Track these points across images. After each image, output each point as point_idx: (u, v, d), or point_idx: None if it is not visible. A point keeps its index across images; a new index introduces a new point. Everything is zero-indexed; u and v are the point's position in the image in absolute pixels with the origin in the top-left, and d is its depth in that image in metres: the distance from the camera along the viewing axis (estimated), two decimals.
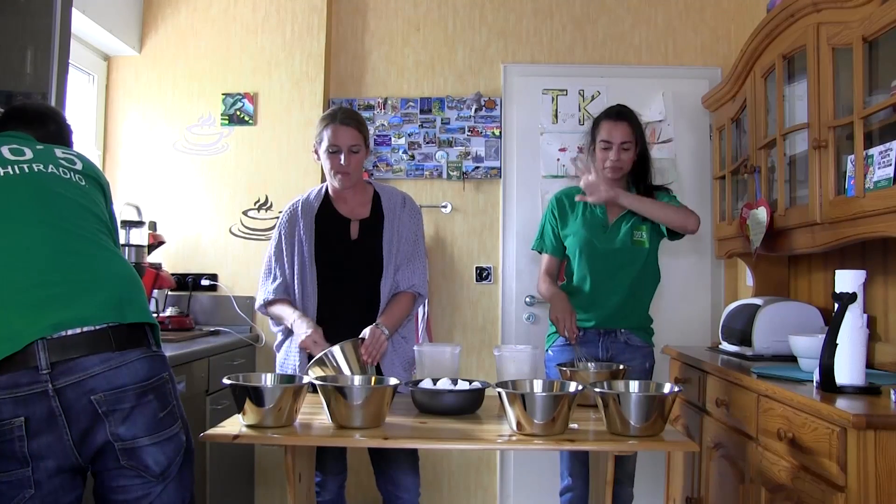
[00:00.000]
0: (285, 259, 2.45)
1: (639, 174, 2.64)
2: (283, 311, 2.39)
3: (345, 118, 2.38)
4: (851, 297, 1.93)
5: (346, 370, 2.15)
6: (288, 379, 1.95)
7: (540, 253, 2.76)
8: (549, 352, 2.66)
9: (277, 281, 2.44)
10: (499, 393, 1.84)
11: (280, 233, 2.48)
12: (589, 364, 2.32)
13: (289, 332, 2.42)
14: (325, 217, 2.46)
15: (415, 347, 2.32)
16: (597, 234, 2.60)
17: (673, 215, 2.50)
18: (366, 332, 2.27)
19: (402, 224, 2.47)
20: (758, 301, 2.78)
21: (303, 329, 2.28)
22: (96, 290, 1.55)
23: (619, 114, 2.60)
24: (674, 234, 2.59)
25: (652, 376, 2.64)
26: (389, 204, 2.49)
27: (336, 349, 2.16)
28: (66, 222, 1.62)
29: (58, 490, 1.49)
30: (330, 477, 2.48)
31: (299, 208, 2.48)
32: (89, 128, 3.54)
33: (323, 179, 2.55)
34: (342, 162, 2.37)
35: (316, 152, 2.44)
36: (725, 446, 2.46)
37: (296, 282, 2.43)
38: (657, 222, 2.54)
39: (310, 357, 2.24)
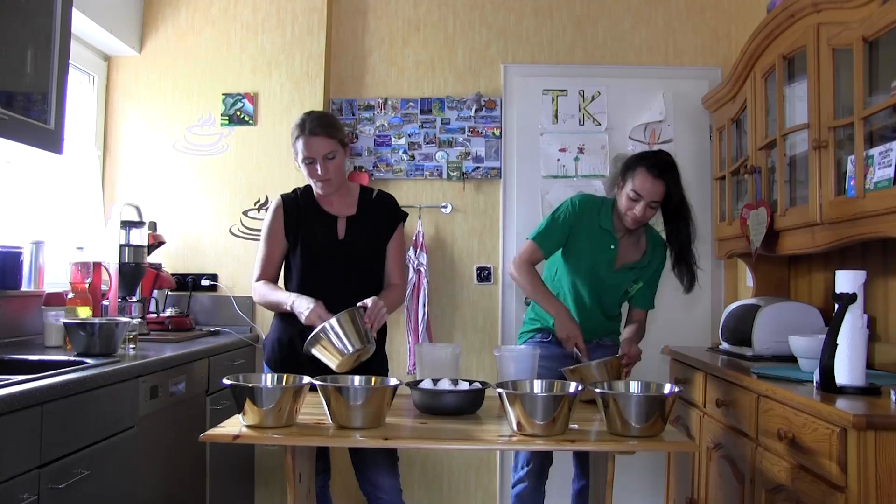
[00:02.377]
0: (275, 254, 2.48)
1: (674, 229, 2.56)
2: (279, 295, 2.39)
3: (314, 128, 2.36)
4: (851, 298, 1.93)
5: (345, 342, 2.12)
6: (288, 379, 1.95)
7: (531, 241, 2.63)
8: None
9: (268, 274, 2.48)
10: (499, 393, 1.84)
11: (269, 231, 2.49)
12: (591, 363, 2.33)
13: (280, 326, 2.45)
14: (311, 214, 2.48)
15: (415, 347, 2.32)
16: (602, 269, 2.60)
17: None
18: (367, 301, 2.26)
19: (384, 221, 2.50)
20: (758, 301, 2.78)
21: (304, 306, 2.26)
22: None
23: (662, 170, 2.45)
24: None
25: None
26: (374, 201, 2.52)
27: (333, 322, 2.13)
28: None
29: None
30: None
31: (287, 206, 2.50)
32: (89, 128, 3.54)
33: None
34: (319, 172, 2.38)
35: (296, 162, 2.46)
36: (725, 446, 2.46)
37: (282, 277, 2.48)
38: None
39: (304, 337, 2.22)
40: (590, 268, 2.61)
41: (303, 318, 2.26)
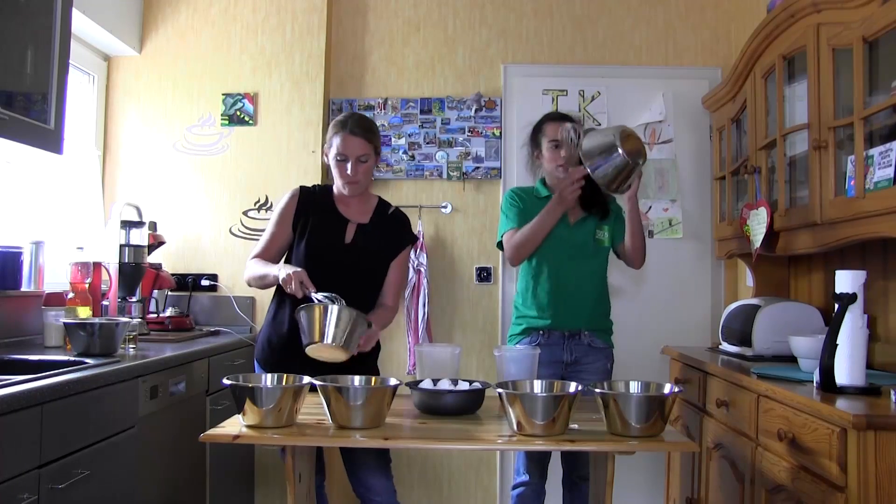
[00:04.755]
0: (279, 238, 2.48)
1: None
2: (269, 267, 2.35)
3: (354, 128, 2.37)
4: (851, 298, 1.93)
5: (332, 330, 2.07)
6: (288, 379, 1.95)
7: (504, 233, 2.67)
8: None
9: (266, 256, 2.47)
10: (499, 393, 1.84)
11: (279, 215, 2.48)
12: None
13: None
14: (324, 211, 2.47)
15: (415, 347, 2.32)
16: (560, 230, 2.62)
17: (642, 240, 2.60)
18: (373, 324, 2.27)
19: (394, 238, 2.50)
20: (758, 301, 2.78)
21: (288, 268, 2.24)
22: None
23: (563, 115, 2.71)
24: (619, 256, 2.72)
25: (612, 375, 2.68)
26: (389, 216, 2.52)
27: (337, 308, 2.08)
28: None
29: None
30: None
31: (303, 197, 2.49)
32: (89, 128, 3.54)
33: (323, 179, 2.56)
34: (349, 171, 2.37)
35: (326, 155, 2.45)
36: (725, 447, 2.46)
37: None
38: (630, 235, 2.58)
39: (300, 302, 2.21)
40: (552, 231, 2.60)
41: (280, 277, 2.24)
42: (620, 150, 2.36)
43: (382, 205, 2.55)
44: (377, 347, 2.49)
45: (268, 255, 2.47)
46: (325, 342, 2.09)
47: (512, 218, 2.68)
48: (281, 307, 2.44)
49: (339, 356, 2.14)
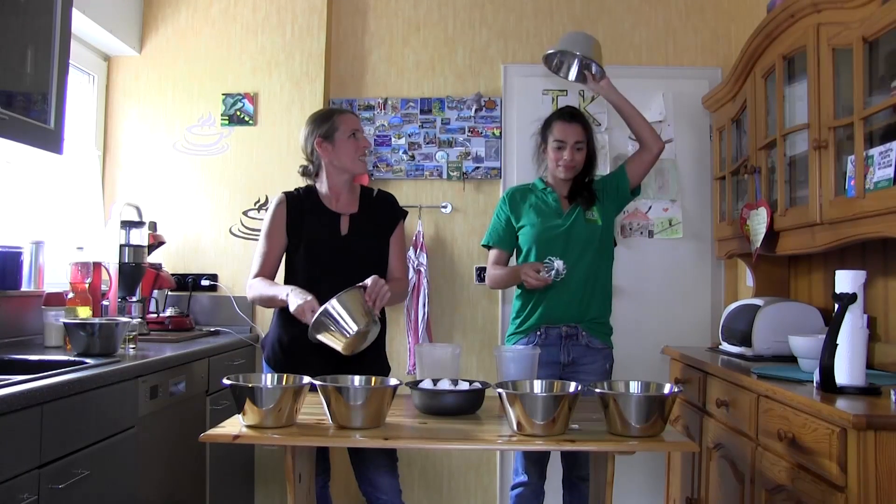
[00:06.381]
0: (275, 250, 2.48)
1: (582, 172, 2.72)
2: (276, 289, 2.38)
3: (345, 109, 2.41)
4: (851, 298, 1.93)
5: (348, 322, 2.12)
6: (288, 379, 1.95)
7: (488, 249, 2.81)
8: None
9: (266, 271, 2.48)
10: (499, 393, 1.84)
11: (270, 226, 2.49)
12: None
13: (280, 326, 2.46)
14: (314, 211, 2.49)
15: (415, 347, 2.32)
16: (552, 219, 2.67)
17: (648, 125, 2.70)
18: (367, 280, 2.25)
19: (386, 218, 2.54)
20: (758, 301, 2.78)
21: (298, 299, 2.24)
22: None
23: (573, 115, 2.70)
24: (634, 191, 2.75)
25: (611, 376, 2.68)
26: (375, 199, 2.56)
27: (334, 303, 2.12)
28: None
29: None
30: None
31: (291, 202, 2.50)
32: (89, 128, 3.54)
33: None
34: (362, 143, 2.47)
35: (319, 145, 2.45)
36: (725, 446, 2.46)
37: (284, 275, 2.47)
38: (627, 120, 2.71)
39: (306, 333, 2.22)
40: (544, 221, 2.67)
41: (291, 309, 2.25)
42: (577, 52, 2.73)
43: (366, 191, 2.59)
44: (382, 331, 2.47)
45: (267, 269, 2.49)
46: (351, 335, 2.13)
47: (495, 231, 2.78)
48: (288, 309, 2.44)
49: (373, 333, 2.22)
